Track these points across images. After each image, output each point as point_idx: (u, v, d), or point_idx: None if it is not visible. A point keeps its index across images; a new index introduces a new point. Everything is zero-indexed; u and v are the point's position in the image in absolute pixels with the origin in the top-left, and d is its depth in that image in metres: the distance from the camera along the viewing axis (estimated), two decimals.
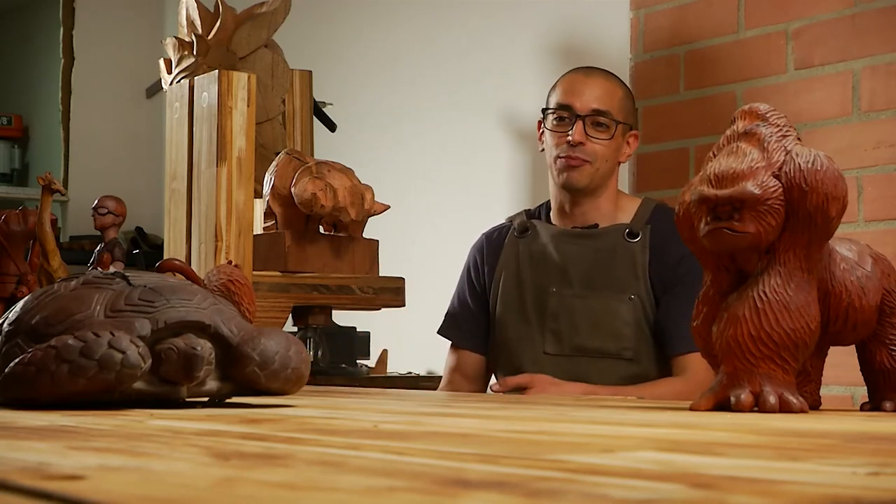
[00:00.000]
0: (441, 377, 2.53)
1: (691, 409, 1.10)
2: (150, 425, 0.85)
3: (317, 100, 2.64)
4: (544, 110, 2.40)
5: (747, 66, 2.71)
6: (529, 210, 2.49)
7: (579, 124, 2.31)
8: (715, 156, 1.09)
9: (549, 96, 2.41)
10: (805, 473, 0.55)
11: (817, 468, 0.58)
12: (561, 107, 2.35)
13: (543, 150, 2.41)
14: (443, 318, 2.48)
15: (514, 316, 2.35)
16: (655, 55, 2.92)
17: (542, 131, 2.40)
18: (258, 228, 2.14)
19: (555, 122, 2.35)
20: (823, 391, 1.22)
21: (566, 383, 2.17)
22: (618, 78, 2.43)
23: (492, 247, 2.44)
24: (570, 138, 2.30)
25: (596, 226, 2.34)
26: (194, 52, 2.34)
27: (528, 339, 2.31)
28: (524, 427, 0.90)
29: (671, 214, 2.32)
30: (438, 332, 2.48)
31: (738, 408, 1.06)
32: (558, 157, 2.33)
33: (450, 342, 2.47)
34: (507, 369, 2.37)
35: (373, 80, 3.82)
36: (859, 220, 2.47)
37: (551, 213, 2.42)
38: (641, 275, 2.27)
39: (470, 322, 2.43)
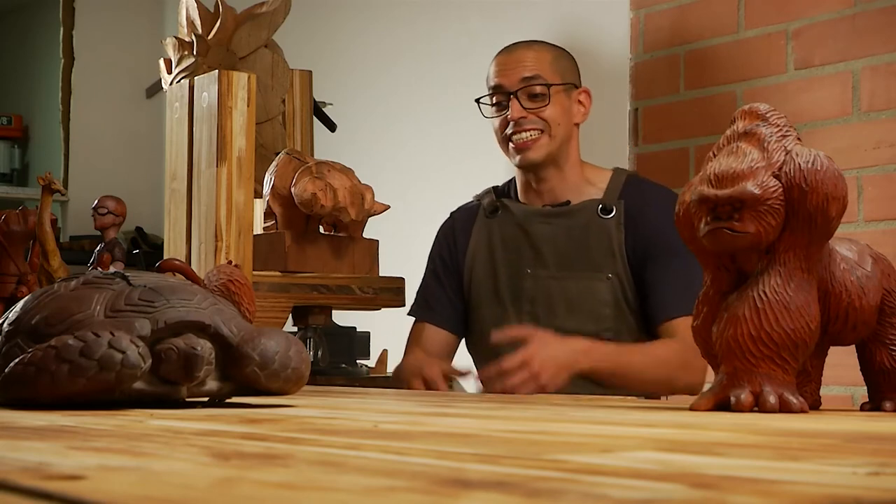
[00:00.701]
0: None
1: (691, 409, 1.10)
2: (150, 425, 0.85)
3: (317, 100, 2.64)
4: (477, 100, 2.36)
5: (747, 66, 2.71)
6: (498, 187, 2.44)
7: (514, 101, 2.27)
8: (715, 156, 1.09)
9: (486, 82, 2.38)
10: (805, 473, 0.55)
11: (817, 468, 0.58)
12: (492, 90, 2.32)
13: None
14: (412, 301, 2.43)
15: (488, 300, 2.32)
16: (655, 55, 2.92)
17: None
18: (258, 228, 2.14)
19: (493, 109, 2.33)
20: (823, 391, 1.22)
21: (568, 339, 2.08)
22: (546, 43, 2.38)
23: (462, 226, 2.41)
24: (509, 117, 2.27)
25: (567, 203, 2.30)
26: (194, 52, 2.34)
27: (505, 324, 2.28)
28: (524, 427, 0.90)
29: (644, 186, 2.33)
30: (408, 314, 2.43)
31: (738, 408, 1.06)
32: (506, 138, 2.29)
33: (414, 319, 2.42)
34: (484, 355, 2.34)
35: (373, 80, 3.82)
36: (859, 220, 2.47)
37: (518, 192, 2.37)
38: (618, 252, 2.23)
39: (440, 298, 2.38)
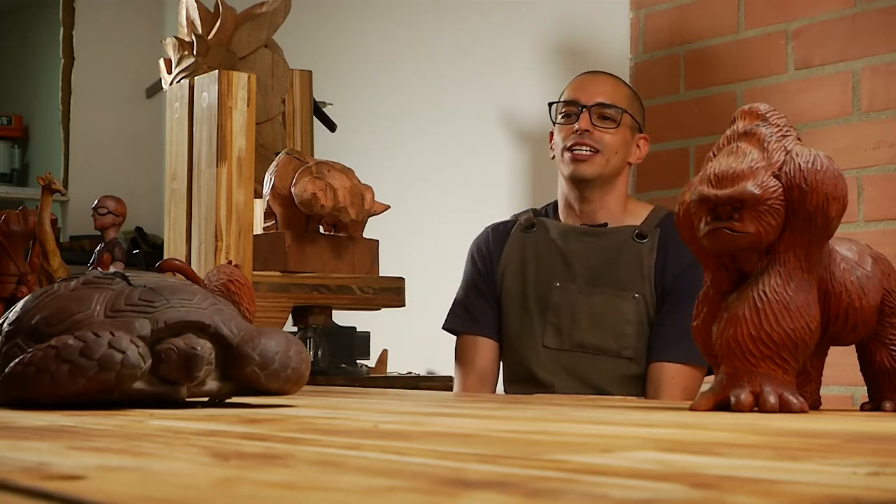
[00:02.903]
0: (442, 377, 2.51)
1: (691, 409, 1.10)
2: (150, 425, 0.85)
3: (317, 100, 2.64)
4: (551, 104, 2.41)
5: (747, 66, 2.71)
6: (536, 209, 2.48)
7: (585, 114, 2.32)
8: (715, 156, 1.09)
9: (559, 98, 2.42)
10: (805, 473, 0.55)
11: (817, 468, 0.58)
12: (567, 102, 2.36)
13: (554, 156, 2.40)
14: (447, 313, 2.42)
15: (515, 308, 2.33)
16: (655, 55, 2.92)
17: (553, 136, 2.41)
18: (258, 228, 2.14)
19: (562, 118, 2.37)
20: (823, 391, 1.22)
21: None
22: (625, 81, 2.46)
23: (497, 239, 2.41)
24: (576, 127, 2.31)
25: (605, 225, 2.34)
26: (194, 52, 2.34)
27: (529, 332, 2.30)
28: (524, 427, 0.90)
29: None
30: (444, 328, 2.42)
31: (738, 408, 1.06)
32: (565, 148, 2.33)
33: (457, 334, 2.40)
34: (507, 361, 2.36)
35: (373, 80, 3.82)
36: (859, 220, 2.47)
37: (559, 211, 2.41)
38: (647, 275, 2.26)
39: (483, 309, 2.38)
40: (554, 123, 2.40)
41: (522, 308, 2.33)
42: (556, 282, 2.30)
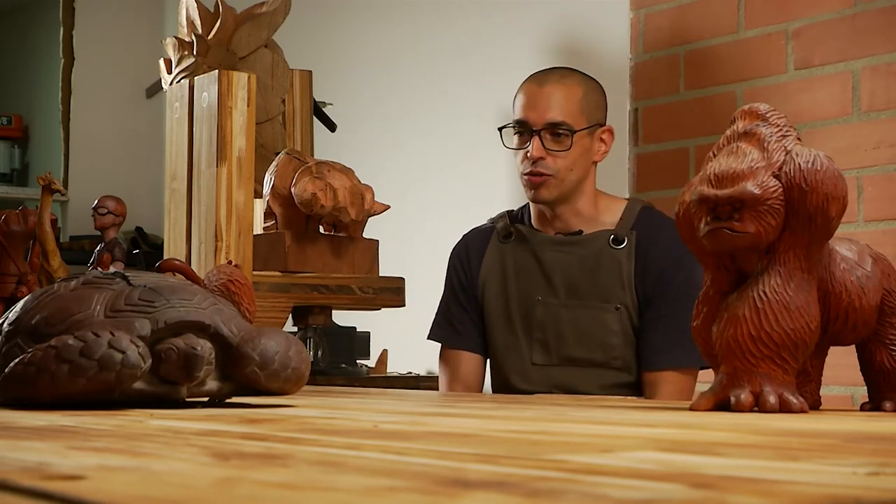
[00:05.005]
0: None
1: (691, 409, 1.10)
2: (150, 425, 0.85)
3: (317, 100, 2.64)
4: (500, 129, 2.35)
5: (747, 66, 2.71)
6: (512, 211, 2.42)
7: (536, 139, 2.24)
8: (715, 156, 1.09)
9: (513, 106, 2.34)
10: (805, 473, 0.55)
11: (817, 468, 0.58)
12: (517, 123, 2.29)
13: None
14: (432, 321, 2.42)
15: (499, 324, 2.31)
16: (655, 55, 2.92)
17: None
18: (258, 228, 2.14)
19: (515, 138, 2.30)
20: (823, 391, 1.22)
21: None
22: (578, 75, 2.33)
23: (476, 249, 2.39)
24: (528, 154, 2.25)
25: (580, 232, 2.29)
26: (194, 52, 2.34)
27: (516, 350, 2.28)
28: (524, 427, 0.90)
29: (657, 218, 2.32)
30: (428, 337, 2.42)
31: (738, 408, 1.06)
32: (522, 173, 2.28)
33: (441, 345, 2.40)
34: (495, 379, 2.35)
35: (373, 80, 3.82)
36: (859, 220, 2.47)
37: (532, 219, 2.36)
38: (627, 283, 2.23)
39: (466, 323, 2.37)
40: (500, 133, 2.34)
41: (507, 324, 2.31)
42: (538, 296, 2.27)
